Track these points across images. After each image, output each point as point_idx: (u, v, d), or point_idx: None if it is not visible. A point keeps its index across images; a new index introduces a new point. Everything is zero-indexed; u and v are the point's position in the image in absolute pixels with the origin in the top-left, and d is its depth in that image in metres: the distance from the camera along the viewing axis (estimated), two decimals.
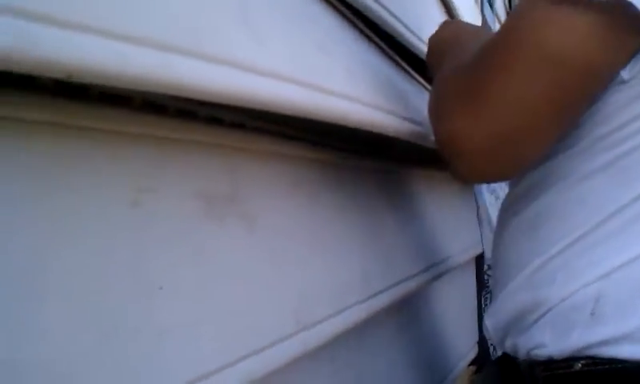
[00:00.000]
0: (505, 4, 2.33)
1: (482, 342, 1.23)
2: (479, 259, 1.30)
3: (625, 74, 0.54)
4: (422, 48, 0.93)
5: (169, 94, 0.33)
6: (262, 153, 0.53)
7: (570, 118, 0.57)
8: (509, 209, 0.71)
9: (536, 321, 0.61)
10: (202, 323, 0.41)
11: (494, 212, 1.34)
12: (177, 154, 0.43)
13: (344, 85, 0.51)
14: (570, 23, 0.50)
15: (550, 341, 0.60)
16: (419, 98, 0.83)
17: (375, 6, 0.75)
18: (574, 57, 0.51)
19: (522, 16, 0.55)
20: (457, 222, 1.19)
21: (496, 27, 2.04)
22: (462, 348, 1.09)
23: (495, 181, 0.67)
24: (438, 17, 1.16)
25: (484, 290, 1.29)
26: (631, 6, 0.47)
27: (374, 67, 0.67)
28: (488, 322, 0.71)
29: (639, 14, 0.48)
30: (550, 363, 0.60)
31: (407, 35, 0.87)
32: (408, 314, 0.88)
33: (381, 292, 0.68)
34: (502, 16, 2.18)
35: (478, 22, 1.69)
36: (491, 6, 1.86)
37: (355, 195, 0.71)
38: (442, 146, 0.65)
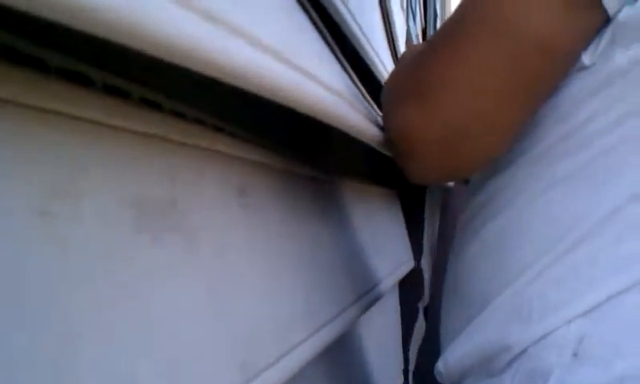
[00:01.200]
0: (421, 20, 2.33)
1: (407, 371, 1.17)
2: (402, 282, 1.23)
3: (586, 58, 0.48)
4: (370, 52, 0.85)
5: (119, 41, 0.21)
6: (206, 151, 0.42)
7: (531, 102, 0.50)
8: (467, 227, 0.63)
9: (508, 364, 0.54)
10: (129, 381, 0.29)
11: None
12: (102, 145, 0.31)
13: (323, 73, 0.41)
14: None
15: None
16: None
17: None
18: (529, 28, 0.45)
19: None
20: (384, 241, 1.12)
21: (419, 39, 2.03)
22: (390, 378, 1.01)
23: (451, 179, 0.59)
24: (377, 22, 1.09)
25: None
26: None
27: (334, 62, 0.58)
28: (442, 364, 0.62)
29: None
30: None
31: (359, 35, 0.78)
32: (336, 345, 0.79)
33: (325, 325, 0.58)
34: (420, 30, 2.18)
35: (403, 33, 1.65)
36: (414, 18, 1.85)
37: (300, 208, 0.61)
38: (394, 144, 0.57)
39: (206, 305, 0.37)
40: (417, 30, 1.96)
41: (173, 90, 0.39)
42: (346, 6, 0.68)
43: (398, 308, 1.24)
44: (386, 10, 1.21)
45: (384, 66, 1.02)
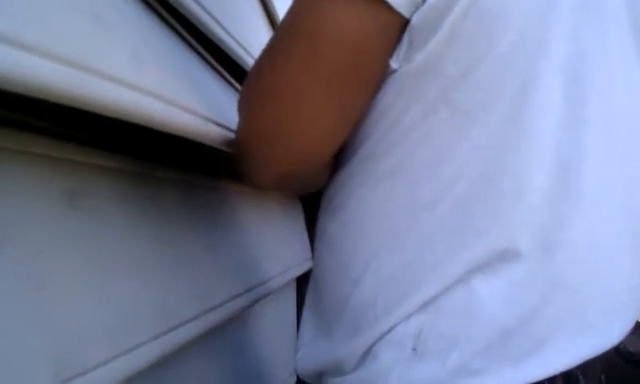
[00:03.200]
0: None
1: None
2: (300, 279, 1.24)
3: (393, 63, 0.50)
4: (241, 53, 0.86)
5: None
6: (16, 153, 0.42)
7: (351, 104, 0.52)
8: (318, 226, 0.65)
9: (357, 364, 0.55)
10: None
11: None
12: None
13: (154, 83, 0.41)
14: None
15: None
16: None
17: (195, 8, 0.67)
18: (336, 34, 0.48)
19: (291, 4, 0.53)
20: (279, 239, 1.13)
21: None
22: (281, 377, 1.02)
23: (289, 179, 0.60)
24: (260, 24, 1.10)
25: None
26: None
27: (186, 69, 0.59)
28: (300, 364, 0.63)
29: None
30: None
31: (228, 41, 0.79)
32: (222, 343, 0.79)
33: (185, 323, 0.59)
34: None
35: None
36: None
37: (157, 211, 0.60)
38: (235, 149, 0.59)
39: (16, 308, 0.37)
40: None
41: None
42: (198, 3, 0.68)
43: (294, 305, 1.25)
44: None
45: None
